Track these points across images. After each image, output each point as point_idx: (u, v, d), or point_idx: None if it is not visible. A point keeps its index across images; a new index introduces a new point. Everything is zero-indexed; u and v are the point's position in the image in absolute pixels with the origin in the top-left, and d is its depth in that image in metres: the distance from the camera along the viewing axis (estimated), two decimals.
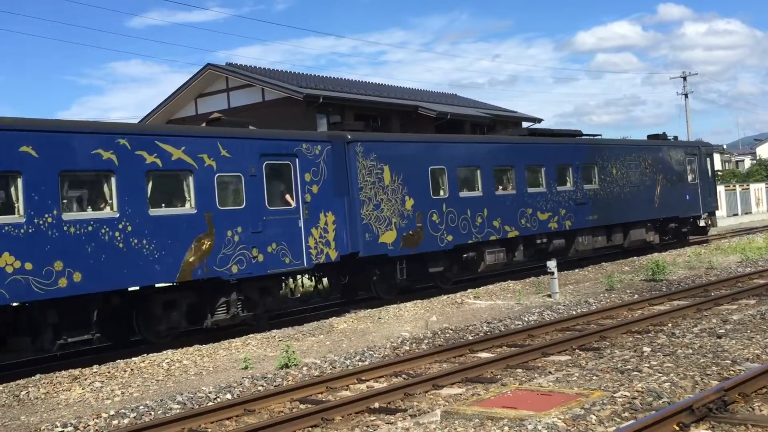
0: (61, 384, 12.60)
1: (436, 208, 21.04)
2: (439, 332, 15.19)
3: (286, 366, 12.70)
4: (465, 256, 22.30)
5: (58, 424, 10.08)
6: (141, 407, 10.58)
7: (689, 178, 31.52)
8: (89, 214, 14.28)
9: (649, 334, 13.53)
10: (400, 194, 20.18)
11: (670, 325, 14.40)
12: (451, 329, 15.44)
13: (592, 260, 27.61)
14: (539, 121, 44.04)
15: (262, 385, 11.66)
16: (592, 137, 28.42)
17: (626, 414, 8.17)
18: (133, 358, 14.15)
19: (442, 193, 21.44)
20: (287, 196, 17.68)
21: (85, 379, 12.83)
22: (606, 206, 26.66)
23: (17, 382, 12.77)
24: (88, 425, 10.01)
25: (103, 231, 14.17)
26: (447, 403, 9.75)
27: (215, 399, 10.98)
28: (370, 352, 13.60)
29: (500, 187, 23.36)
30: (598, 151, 26.87)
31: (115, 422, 10.08)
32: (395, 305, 19.22)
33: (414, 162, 20.55)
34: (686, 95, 51.00)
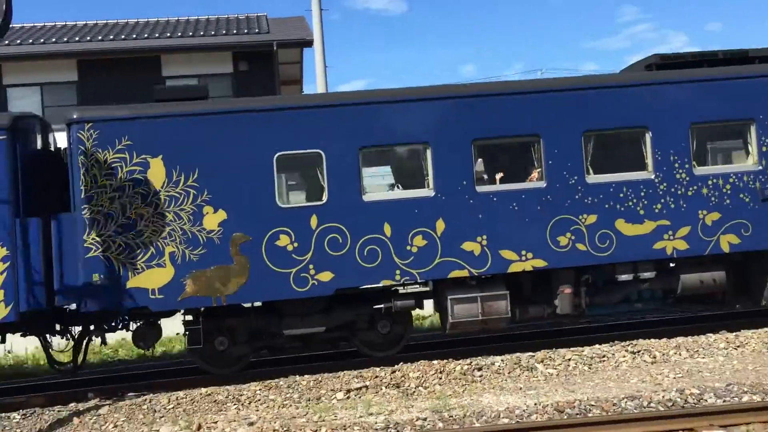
0: None
1: (291, 225, 11.30)
2: None
3: None
4: (379, 307, 11.80)
5: None
6: None
7: None
8: None
9: None
10: (189, 204, 11.20)
11: None
12: None
13: None
14: None
15: None
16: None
17: None
18: None
19: (314, 196, 11.60)
20: None
21: None
22: None
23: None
24: None
25: None
26: None
27: None
28: None
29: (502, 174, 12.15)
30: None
31: None
32: None
33: (235, 147, 11.29)
34: None
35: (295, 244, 11.25)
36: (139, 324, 11.63)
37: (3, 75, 21.99)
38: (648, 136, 11.94)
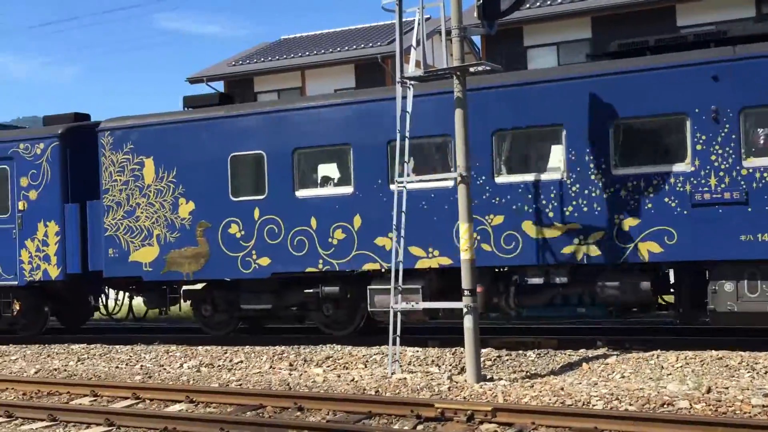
0: None
1: (240, 216, 13.25)
2: None
3: None
4: (309, 291, 13.13)
5: None
6: None
7: None
8: None
9: None
10: (169, 196, 13.78)
11: None
12: None
13: None
14: None
15: None
16: None
17: None
18: None
19: (257, 191, 13.27)
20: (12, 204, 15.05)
21: None
22: None
23: None
24: None
25: None
26: None
27: None
28: None
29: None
30: None
31: None
32: None
33: (199, 150, 13.57)
34: None
35: (241, 231, 13.23)
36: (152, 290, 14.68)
37: (524, 36, 23.19)
38: (562, 133, 11.30)
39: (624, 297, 11.23)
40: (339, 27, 30.10)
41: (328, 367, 11.56)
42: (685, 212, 10.66)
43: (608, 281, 11.27)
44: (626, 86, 11.00)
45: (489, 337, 11.93)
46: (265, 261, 13.09)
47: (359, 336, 13.39)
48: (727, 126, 10.47)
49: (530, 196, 11.47)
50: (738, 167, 10.45)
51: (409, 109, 11.12)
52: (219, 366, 12.15)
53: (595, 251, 11.15)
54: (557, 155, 11.43)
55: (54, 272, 14.66)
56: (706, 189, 10.56)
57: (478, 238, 11.73)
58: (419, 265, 12.12)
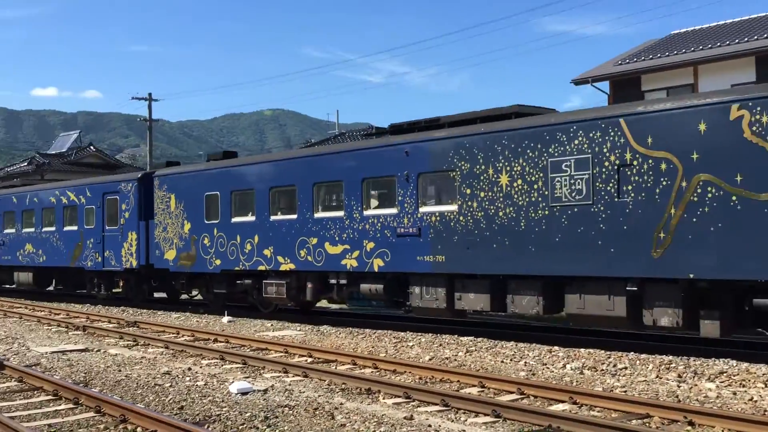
0: None
1: (208, 233, 20.92)
2: None
3: None
4: (239, 282, 20.18)
5: None
6: None
7: None
8: None
9: None
10: (180, 219, 21.86)
11: None
12: None
13: None
14: None
15: None
16: None
17: None
18: None
19: (215, 218, 20.74)
20: (119, 220, 24.34)
21: None
22: None
23: None
24: None
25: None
26: None
27: None
28: None
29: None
30: None
31: None
32: None
33: (192, 189, 21.51)
34: None
35: (209, 242, 20.91)
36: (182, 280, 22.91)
37: None
38: (343, 186, 17.34)
39: (371, 295, 16.95)
40: (737, 17, 28.30)
41: (722, 382, 10.89)
42: (394, 240, 16.20)
43: (363, 284, 17.07)
44: (370, 156, 16.78)
45: None
46: (218, 261, 20.64)
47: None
48: (412, 185, 15.86)
49: (328, 226, 17.64)
50: (416, 212, 15.79)
51: None
52: (602, 370, 12.00)
53: (354, 263, 17.05)
54: (341, 200, 17.48)
55: (134, 263, 23.61)
56: (402, 225, 16.02)
57: (306, 252, 18.16)
58: (282, 268, 18.80)
